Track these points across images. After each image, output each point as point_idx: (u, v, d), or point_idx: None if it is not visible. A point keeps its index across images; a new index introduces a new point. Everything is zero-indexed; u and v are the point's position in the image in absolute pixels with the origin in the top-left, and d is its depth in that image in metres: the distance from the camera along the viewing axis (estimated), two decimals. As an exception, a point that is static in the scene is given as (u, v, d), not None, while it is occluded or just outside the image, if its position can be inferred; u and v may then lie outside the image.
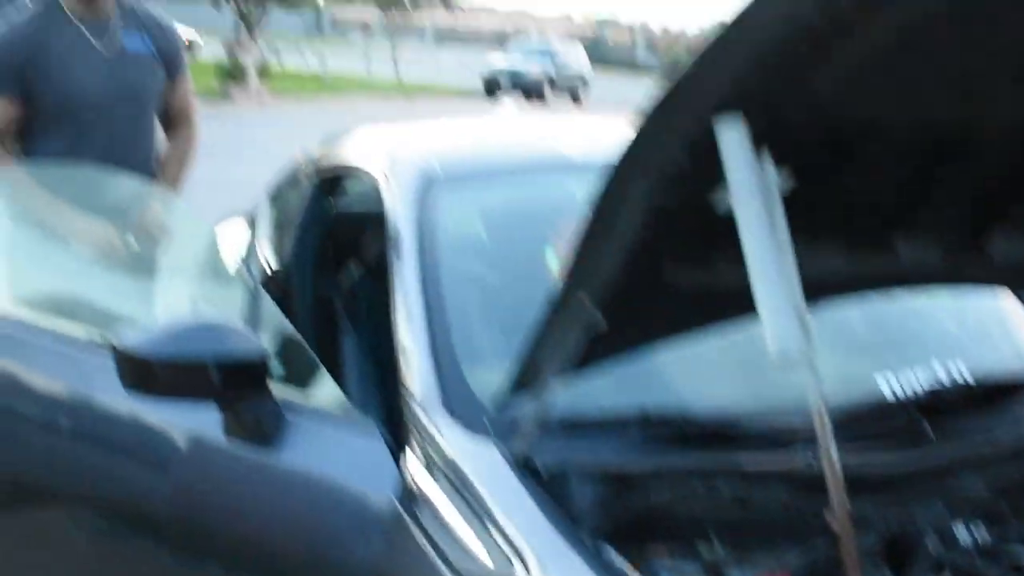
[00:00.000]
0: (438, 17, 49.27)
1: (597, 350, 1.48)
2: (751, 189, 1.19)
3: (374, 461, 1.68)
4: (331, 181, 2.81)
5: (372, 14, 41.03)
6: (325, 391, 1.85)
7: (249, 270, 3.10)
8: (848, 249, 1.60)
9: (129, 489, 1.97)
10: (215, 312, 1.75)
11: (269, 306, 2.01)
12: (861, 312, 2.07)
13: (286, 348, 1.92)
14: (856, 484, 1.62)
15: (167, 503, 1.88)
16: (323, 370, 1.85)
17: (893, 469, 1.68)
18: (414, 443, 1.69)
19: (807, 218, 1.42)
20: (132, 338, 1.64)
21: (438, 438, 1.66)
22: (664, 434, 1.66)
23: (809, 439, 1.65)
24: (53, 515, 2.17)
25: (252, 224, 3.41)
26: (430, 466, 1.63)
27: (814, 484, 1.53)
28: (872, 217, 1.57)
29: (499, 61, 28.84)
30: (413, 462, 1.66)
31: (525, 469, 1.52)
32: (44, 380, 2.09)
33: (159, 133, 3.17)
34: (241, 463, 1.79)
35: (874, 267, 1.68)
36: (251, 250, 3.23)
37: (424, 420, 1.72)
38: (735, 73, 1.15)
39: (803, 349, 1.24)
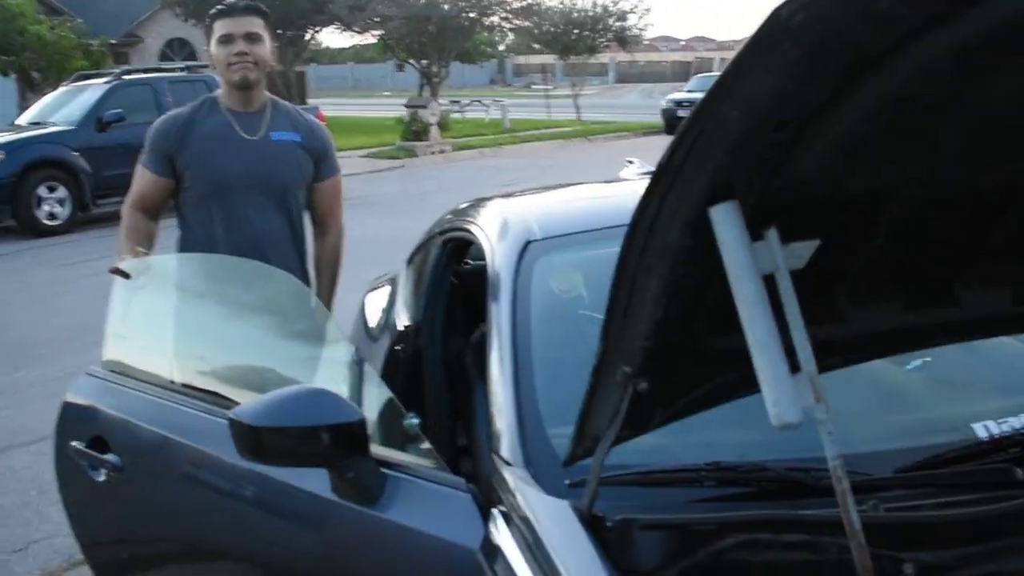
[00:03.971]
0: (618, 56, 49.50)
1: (644, 411, 1.54)
2: (745, 269, 1.23)
3: (462, 516, 1.79)
4: (457, 245, 2.99)
5: (552, 59, 41.73)
6: (422, 451, 1.98)
7: (387, 330, 3.31)
8: (909, 304, 1.60)
9: (282, 547, 2.14)
10: (315, 383, 1.91)
11: (370, 372, 2.18)
12: (949, 358, 2.04)
13: (387, 412, 2.07)
14: (946, 532, 1.63)
15: (314, 559, 2.05)
16: (420, 434, 1.99)
17: (984, 518, 1.66)
18: (499, 498, 1.80)
19: (856, 282, 1.46)
20: (241, 410, 1.83)
21: (517, 494, 1.76)
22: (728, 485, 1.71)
23: (872, 487, 1.66)
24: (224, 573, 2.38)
25: (393, 286, 3.63)
26: (509, 521, 1.72)
27: (888, 532, 1.55)
28: (925, 272, 1.57)
29: (679, 94, 28.50)
30: (498, 517, 1.76)
31: (591, 524, 1.59)
32: (215, 450, 2.28)
33: (306, 229, 3.35)
34: (348, 520, 1.94)
35: (940, 319, 1.67)
36: (390, 311, 3.45)
37: (507, 475, 1.83)
38: (717, 164, 1.19)
39: (801, 418, 1.28)
